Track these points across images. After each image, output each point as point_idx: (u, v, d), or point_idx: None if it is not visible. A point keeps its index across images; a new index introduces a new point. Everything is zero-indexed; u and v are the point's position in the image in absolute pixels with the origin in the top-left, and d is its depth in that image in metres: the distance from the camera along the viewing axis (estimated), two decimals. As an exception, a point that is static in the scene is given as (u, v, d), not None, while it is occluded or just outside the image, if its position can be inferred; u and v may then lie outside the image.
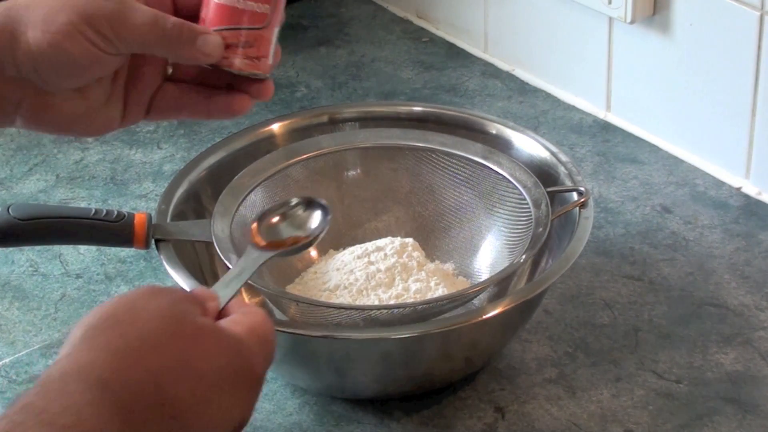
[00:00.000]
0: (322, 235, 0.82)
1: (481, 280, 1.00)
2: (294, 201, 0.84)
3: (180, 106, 0.82)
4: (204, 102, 0.81)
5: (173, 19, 0.77)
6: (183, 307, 0.68)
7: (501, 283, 0.96)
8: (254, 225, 0.82)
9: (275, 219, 0.83)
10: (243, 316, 0.71)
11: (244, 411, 0.68)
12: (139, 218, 0.93)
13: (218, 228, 0.94)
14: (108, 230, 0.92)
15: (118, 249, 1.09)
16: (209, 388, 0.65)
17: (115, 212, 0.93)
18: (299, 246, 0.82)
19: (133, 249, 0.94)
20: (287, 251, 0.82)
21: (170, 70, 0.82)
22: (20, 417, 0.58)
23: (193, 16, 0.79)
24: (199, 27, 0.78)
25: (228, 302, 0.73)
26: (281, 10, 0.80)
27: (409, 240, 1.02)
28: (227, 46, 0.78)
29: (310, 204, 0.84)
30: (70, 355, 0.63)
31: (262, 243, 0.81)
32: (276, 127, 1.08)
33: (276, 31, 0.80)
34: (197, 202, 1.02)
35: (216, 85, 0.81)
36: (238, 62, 0.78)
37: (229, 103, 0.80)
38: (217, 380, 0.65)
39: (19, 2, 0.76)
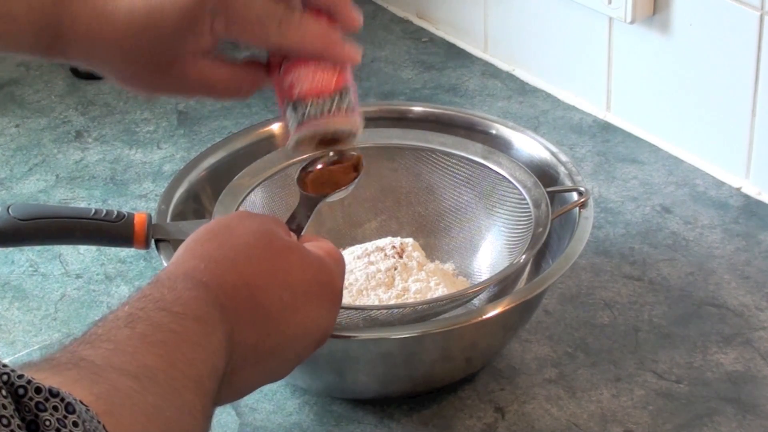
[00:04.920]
0: (358, 179, 0.88)
1: (481, 280, 1.00)
2: (330, 153, 0.88)
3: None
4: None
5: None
6: (272, 227, 0.77)
7: (501, 283, 0.96)
8: (300, 175, 0.87)
9: (318, 167, 0.87)
10: (318, 242, 0.80)
11: (328, 322, 0.76)
12: (139, 218, 0.93)
13: (218, 228, 0.94)
14: (108, 230, 0.92)
15: (118, 249, 1.09)
16: (297, 297, 0.73)
17: (115, 212, 0.93)
18: (342, 189, 0.88)
19: (133, 249, 0.94)
20: (336, 192, 0.88)
21: None
22: (140, 304, 0.66)
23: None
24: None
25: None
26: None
27: (409, 240, 1.02)
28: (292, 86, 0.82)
29: (342, 155, 0.88)
30: (175, 263, 0.73)
31: (314, 190, 0.87)
32: (276, 127, 1.08)
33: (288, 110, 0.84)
34: (197, 202, 1.02)
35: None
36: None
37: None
38: (304, 290, 0.74)
39: None
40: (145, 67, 0.78)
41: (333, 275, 0.77)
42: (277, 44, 0.79)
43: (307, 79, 0.80)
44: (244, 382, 0.72)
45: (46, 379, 0.51)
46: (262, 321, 0.72)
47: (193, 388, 0.63)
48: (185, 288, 0.69)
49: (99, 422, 0.53)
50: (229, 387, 0.69)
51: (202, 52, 0.78)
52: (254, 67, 0.82)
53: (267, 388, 0.96)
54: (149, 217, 0.94)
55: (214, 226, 0.77)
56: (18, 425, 0.49)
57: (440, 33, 1.47)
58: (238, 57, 0.82)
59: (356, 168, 0.87)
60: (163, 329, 0.65)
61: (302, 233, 0.84)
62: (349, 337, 0.86)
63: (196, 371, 0.64)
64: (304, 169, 0.88)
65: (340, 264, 0.79)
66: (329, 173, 0.87)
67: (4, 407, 0.49)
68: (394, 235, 1.05)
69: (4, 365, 0.50)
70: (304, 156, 0.96)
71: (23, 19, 0.76)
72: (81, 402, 0.52)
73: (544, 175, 1.01)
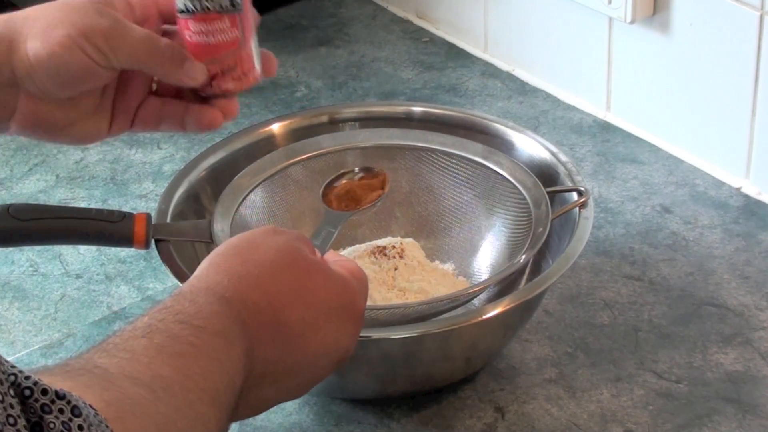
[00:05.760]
0: (384, 196, 0.89)
1: (481, 280, 1.00)
2: (355, 169, 0.90)
3: (160, 118, 0.85)
4: (180, 115, 0.85)
5: (165, 40, 0.81)
6: (297, 245, 0.76)
7: (501, 283, 0.96)
8: (324, 191, 0.88)
9: (343, 183, 0.88)
10: (343, 261, 0.79)
11: (349, 342, 0.75)
12: (139, 218, 0.93)
13: (218, 228, 0.94)
14: (108, 230, 0.92)
15: (118, 249, 1.09)
16: (319, 316, 0.73)
17: (115, 212, 0.93)
18: (370, 205, 0.89)
19: (133, 249, 0.94)
20: (361, 210, 0.89)
21: (155, 87, 0.86)
22: (160, 315, 0.66)
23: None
24: (186, 52, 0.81)
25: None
26: (251, 24, 0.82)
27: (409, 240, 1.02)
28: (213, 76, 0.82)
29: (367, 170, 0.90)
30: (198, 277, 0.72)
31: (339, 206, 0.88)
32: (276, 127, 1.08)
33: (253, 42, 0.82)
34: (197, 202, 1.02)
35: (191, 99, 0.85)
36: (229, 85, 0.82)
37: (200, 116, 0.84)
38: (326, 310, 0.73)
39: (18, 14, 0.80)
40: (80, 107, 0.82)
41: (356, 296, 0.77)
42: None
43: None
44: (262, 399, 0.72)
45: (57, 383, 0.51)
46: (283, 339, 0.71)
47: (208, 401, 0.63)
48: (207, 302, 0.68)
49: (107, 427, 0.52)
50: (246, 403, 0.69)
51: (107, 82, 0.81)
52: (201, 107, 0.84)
53: (267, 388, 0.96)
54: (149, 217, 0.94)
55: (239, 241, 0.76)
56: (24, 426, 0.49)
57: (440, 33, 1.47)
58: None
59: (382, 185, 0.87)
60: (182, 341, 0.64)
61: (326, 250, 0.83)
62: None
63: (212, 385, 0.64)
64: (329, 184, 0.88)
65: (364, 284, 0.79)
66: (354, 190, 0.87)
67: (12, 407, 0.49)
68: (394, 235, 1.05)
69: (12, 366, 0.50)
70: (310, 154, 0.97)
71: None
72: (90, 406, 0.52)
73: (544, 175, 1.01)
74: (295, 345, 0.72)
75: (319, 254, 0.79)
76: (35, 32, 0.78)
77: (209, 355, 0.65)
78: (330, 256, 0.81)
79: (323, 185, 0.89)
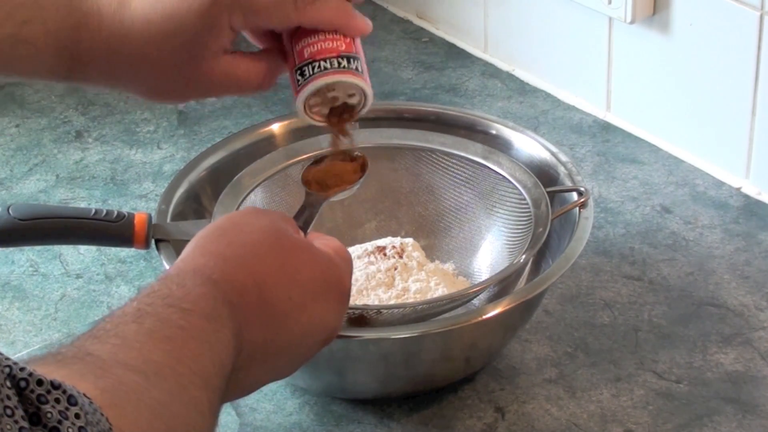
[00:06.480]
0: (363, 179, 0.88)
1: (481, 280, 1.00)
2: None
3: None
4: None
5: None
6: (281, 225, 0.76)
7: (501, 283, 0.96)
8: (305, 174, 0.88)
9: (323, 166, 0.88)
10: (326, 240, 0.79)
11: (335, 320, 0.76)
12: (139, 218, 0.93)
13: (218, 228, 0.94)
14: (108, 230, 0.92)
15: (118, 249, 1.09)
16: (305, 295, 0.73)
17: (115, 212, 0.93)
18: (346, 189, 0.88)
19: (133, 249, 0.94)
20: (340, 192, 0.88)
21: None
22: (149, 299, 0.66)
23: None
24: None
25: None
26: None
27: (409, 240, 1.02)
28: None
29: (347, 155, 0.89)
30: (184, 260, 0.72)
31: (318, 188, 0.87)
32: (276, 127, 1.08)
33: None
34: (197, 202, 1.02)
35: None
36: None
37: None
38: (312, 288, 0.74)
39: None
40: (170, 75, 0.78)
41: (341, 274, 0.77)
42: (295, 23, 0.79)
43: (317, 43, 0.79)
44: (251, 379, 0.72)
45: (51, 373, 0.51)
46: (270, 319, 0.71)
47: (200, 384, 0.63)
48: (194, 285, 0.69)
49: (102, 415, 0.53)
50: (236, 384, 0.69)
51: (223, 50, 0.78)
52: (272, 56, 0.82)
53: (267, 388, 0.96)
54: (149, 217, 0.94)
55: (223, 223, 0.77)
56: (21, 416, 0.49)
57: (440, 33, 1.47)
58: (252, 49, 0.82)
59: (362, 168, 0.87)
60: (171, 325, 0.64)
61: (307, 231, 0.83)
62: (349, 337, 0.86)
63: (203, 368, 0.64)
64: (308, 167, 0.88)
65: (349, 262, 0.79)
66: (334, 172, 0.87)
67: (9, 398, 0.49)
68: (394, 235, 1.05)
69: (7, 358, 0.50)
70: (310, 154, 0.97)
71: (41, 43, 0.76)
72: (84, 395, 0.52)
73: (544, 175, 1.01)
74: (283, 324, 0.72)
75: (302, 234, 0.79)
76: None
77: (199, 338, 0.65)
78: (313, 236, 0.81)
79: (302, 169, 0.89)
